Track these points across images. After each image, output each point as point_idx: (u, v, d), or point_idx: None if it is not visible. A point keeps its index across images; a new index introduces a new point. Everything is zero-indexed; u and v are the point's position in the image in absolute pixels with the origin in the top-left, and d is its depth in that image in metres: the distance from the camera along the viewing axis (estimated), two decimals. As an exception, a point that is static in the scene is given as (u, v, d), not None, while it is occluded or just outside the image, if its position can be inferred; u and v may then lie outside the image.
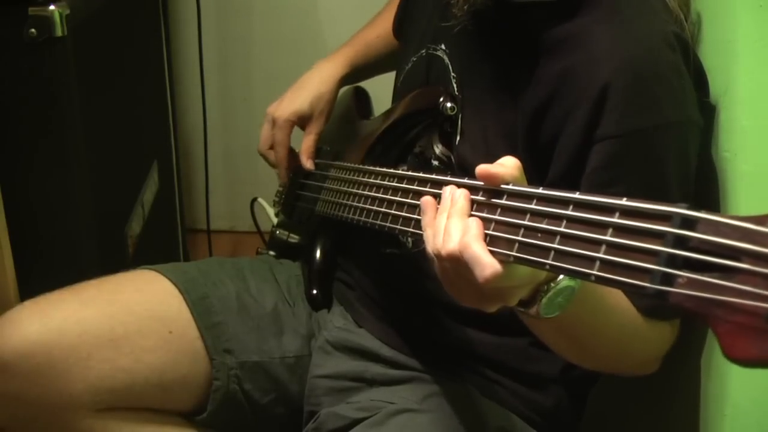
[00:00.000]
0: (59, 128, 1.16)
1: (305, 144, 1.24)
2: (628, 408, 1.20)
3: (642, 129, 0.84)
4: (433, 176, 0.77)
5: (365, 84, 1.38)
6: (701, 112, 0.89)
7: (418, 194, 0.78)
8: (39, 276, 1.15)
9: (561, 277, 0.67)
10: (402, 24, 1.25)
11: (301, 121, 1.24)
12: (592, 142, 0.85)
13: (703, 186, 0.90)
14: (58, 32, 1.11)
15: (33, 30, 1.10)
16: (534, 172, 0.64)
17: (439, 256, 0.66)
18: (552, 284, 0.67)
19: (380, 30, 1.31)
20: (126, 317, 1.03)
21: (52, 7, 1.10)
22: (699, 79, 0.91)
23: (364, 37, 1.32)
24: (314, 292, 1.16)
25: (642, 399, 1.14)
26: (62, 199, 1.19)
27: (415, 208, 0.78)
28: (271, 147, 1.25)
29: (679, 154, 0.86)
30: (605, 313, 0.80)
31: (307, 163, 1.23)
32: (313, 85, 1.24)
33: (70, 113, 1.17)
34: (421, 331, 1.05)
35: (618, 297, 0.82)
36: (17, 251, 1.13)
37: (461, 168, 0.97)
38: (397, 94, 1.16)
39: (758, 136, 0.85)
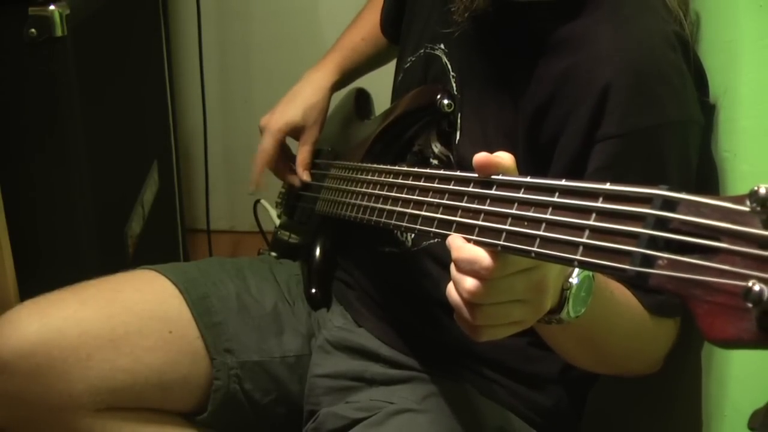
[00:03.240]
0: (59, 128, 1.16)
1: (300, 156, 1.24)
2: (628, 408, 1.20)
3: (644, 128, 0.84)
4: (428, 170, 0.77)
5: (365, 84, 1.38)
6: (701, 111, 0.89)
7: (415, 190, 0.78)
8: (39, 276, 1.15)
9: (575, 270, 0.68)
10: (393, 22, 1.25)
11: (294, 132, 1.24)
12: (593, 141, 0.85)
13: (703, 186, 0.90)
14: (58, 32, 1.11)
15: (33, 30, 1.10)
16: (534, 172, 0.64)
17: (463, 299, 0.65)
18: (571, 280, 0.68)
19: (364, 32, 1.31)
20: (126, 317, 1.03)
21: (52, 7, 1.10)
22: (699, 78, 0.91)
23: (350, 41, 1.31)
24: (313, 291, 1.16)
25: (642, 399, 1.14)
26: (62, 199, 1.19)
27: (410, 204, 0.78)
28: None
29: (680, 153, 0.87)
30: (617, 311, 0.81)
31: (304, 175, 1.23)
32: (305, 96, 1.24)
33: (71, 113, 1.17)
34: (421, 330, 1.05)
35: (627, 296, 0.83)
36: (17, 251, 1.13)
37: (461, 167, 0.96)
38: (396, 94, 1.16)
39: (758, 136, 0.85)
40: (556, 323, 0.70)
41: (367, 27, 1.31)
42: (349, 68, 1.30)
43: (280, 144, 1.23)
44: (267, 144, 1.23)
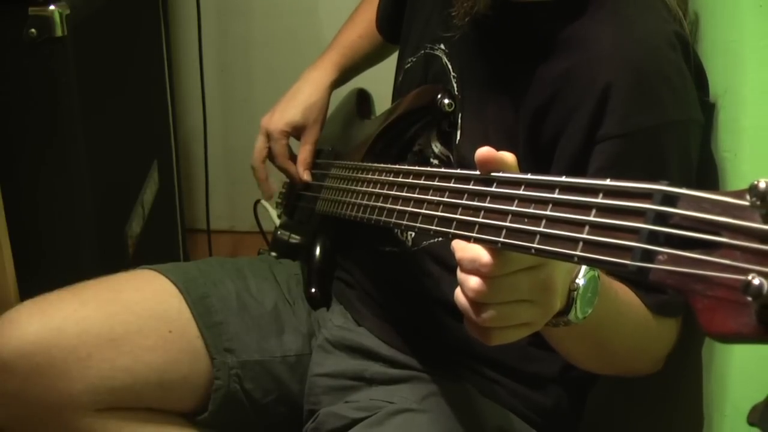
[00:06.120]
0: (60, 128, 1.16)
1: (301, 155, 1.24)
2: (628, 408, 1.20)
3: (644, 128, 0.84)
4: (428, 169, 0.77)
5: (366, 84, 1.38)
6: (701, 111, 0.89)
7: (415, 188, 0.78)
8: (39, 276, 1.15)
9: (581, 271, 0.68)
10: (389, 20, 1.25)
11: (296, 132, 1.24)
12: (594, 142, 0.85)
13: (704, 186, 0.90)
14: (58, 32, 1.11)
15: (33, 30, 1.09)
16: (534, 172, 0.64)
17: (469, 299, 0.65)
18: (577, 281, 0.68)
19: (361, 30, 1.31)
20: (126, 317, 1.03)
21: (52, 7, 1.10)
22: (698, 77, 0.91)
23: (347, 39, 1.31)
24: (313, 290, 1.16)
25: (642, 399, 1.14)
26: (62, 199, 1.19)
27: (410, 202, 0.78)
28: (265, 161, 1.25)
29: (681, 152, 0.87)
30: (621, 311, 0.81)
31: (304, 175, 1.23)
32: (305, 95, 1.24)
33: (70, 113, 1.17)
34: (421, 330, 1.05)
35: (630, 296, 0.83)
36: (17, 251, 1.13)
37: (461, 167, 0.96)
38: (397, 94, 1.16)
39: (759, 137, 0.85)
40: (564, 325, 0.70)
41: (364, 24, 1.31)
42: (348, 66, 1.30)
43: (285, 146, 1.24)
44: (273, 146, 1.23)
